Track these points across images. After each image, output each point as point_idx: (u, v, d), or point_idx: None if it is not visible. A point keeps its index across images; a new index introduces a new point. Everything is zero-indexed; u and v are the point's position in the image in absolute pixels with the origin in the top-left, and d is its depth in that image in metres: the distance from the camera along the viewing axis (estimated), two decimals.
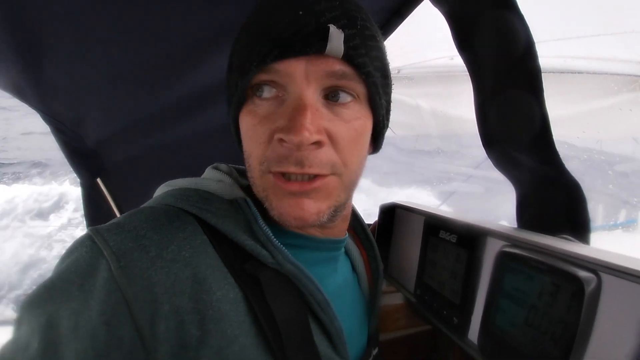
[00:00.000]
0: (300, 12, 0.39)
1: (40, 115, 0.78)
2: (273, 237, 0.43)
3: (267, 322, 0.39)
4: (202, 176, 0.51)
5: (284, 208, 0.42)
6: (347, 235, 0.55)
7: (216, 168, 0.51)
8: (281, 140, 0.40)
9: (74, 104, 0.77)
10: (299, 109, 0.39)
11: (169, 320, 0.36)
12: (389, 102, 0.49)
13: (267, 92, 0.42)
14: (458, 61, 0.62)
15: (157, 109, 0.86)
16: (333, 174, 0.42)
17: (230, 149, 0.51)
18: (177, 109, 0.88)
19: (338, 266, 0.55)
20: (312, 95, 0.40)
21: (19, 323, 0.35)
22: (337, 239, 0.52)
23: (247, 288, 0.40)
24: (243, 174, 0.52)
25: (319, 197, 0.42)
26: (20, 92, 0.68)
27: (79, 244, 0.38)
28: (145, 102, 0.83)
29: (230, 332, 0.38)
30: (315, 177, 0.41)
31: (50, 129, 0.84)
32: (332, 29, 0.38)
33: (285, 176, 0.41)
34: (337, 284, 0.53)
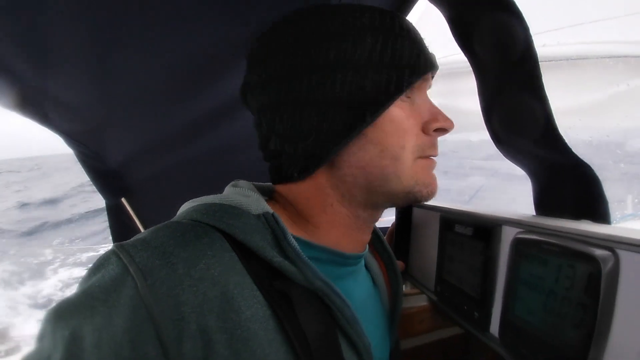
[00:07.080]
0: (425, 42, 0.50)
1: (63, 139, 0.81)
2: (302, 253, 0.43)
3: (298, 339, 0.39)
4: (224, 193, 0.51)
5: (433, 183, 0.51)
6: (367, 248, 0.56)
7: (236, 185, 0.52)
8: (439, 130, 0.50)
9: (94, 126, 0.79)
10: (436, 108, 0.51)
11: (195, 340, 0.35)
12: None
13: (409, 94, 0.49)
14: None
15: (177, 126, 0.87)
16: None
17: (251, 163, 0.52)
18: (197, 126, 0.88)
19: (360, 280, 0.55)
20: None
21: (42, 334, 0.35)
22: (360, 254, 0.53)
23: (277, 305, 0.40)
24: (262, 190, 0.53)
25: None
26: (42, 117, 0.71)
27: (104, 260, 0.38)
28: (164, 121, 0.85)
29: (260, 352, 0.37)
30: None
31: (74, 151, 0.86)
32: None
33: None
34: (361, 298, 0.53)
